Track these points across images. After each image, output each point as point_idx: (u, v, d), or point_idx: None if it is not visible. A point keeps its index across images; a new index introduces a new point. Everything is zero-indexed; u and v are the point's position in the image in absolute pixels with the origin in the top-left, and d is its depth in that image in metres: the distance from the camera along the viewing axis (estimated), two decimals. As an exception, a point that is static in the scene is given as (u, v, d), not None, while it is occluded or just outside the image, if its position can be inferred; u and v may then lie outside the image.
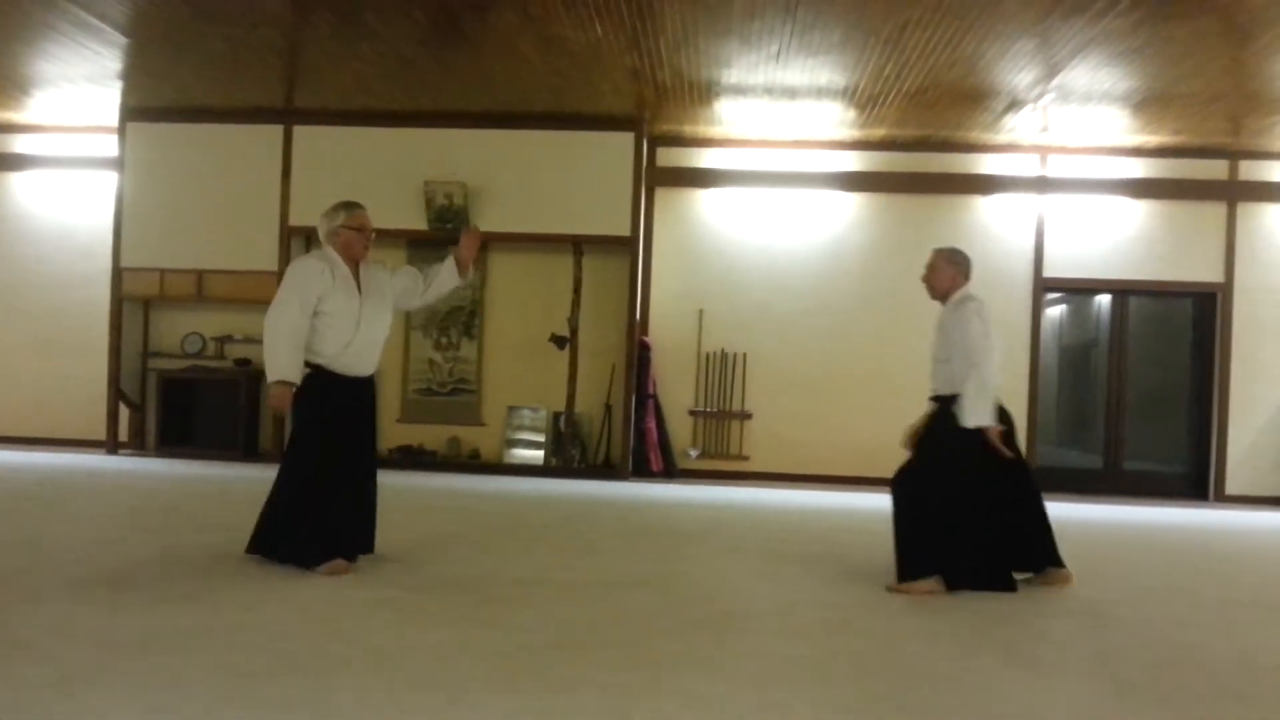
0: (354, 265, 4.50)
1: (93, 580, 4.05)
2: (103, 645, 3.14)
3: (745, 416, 9.26)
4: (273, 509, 4.48)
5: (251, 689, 2.77)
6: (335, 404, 4.44)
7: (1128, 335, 9.36)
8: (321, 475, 4.38)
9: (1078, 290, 9.45)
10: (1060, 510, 7.95)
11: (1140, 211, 9.09)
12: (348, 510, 4.47)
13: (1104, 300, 9.45)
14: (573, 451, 9.08)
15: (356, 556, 4.46)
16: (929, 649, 3.51)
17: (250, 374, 9.28)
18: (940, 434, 4.63)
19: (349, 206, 4.53)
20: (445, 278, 4.78)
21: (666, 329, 9.34)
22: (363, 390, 4.58)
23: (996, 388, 4.62)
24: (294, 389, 4.31)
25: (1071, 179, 9.08)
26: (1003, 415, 4.73)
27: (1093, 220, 9.11)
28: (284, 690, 2.77)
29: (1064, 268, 9.12)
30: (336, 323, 4.38)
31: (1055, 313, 9.63)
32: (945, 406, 4.64)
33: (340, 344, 4.40)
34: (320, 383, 4.40)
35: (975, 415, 4.45)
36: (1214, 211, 9.06)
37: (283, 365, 4.29)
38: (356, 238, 4.49)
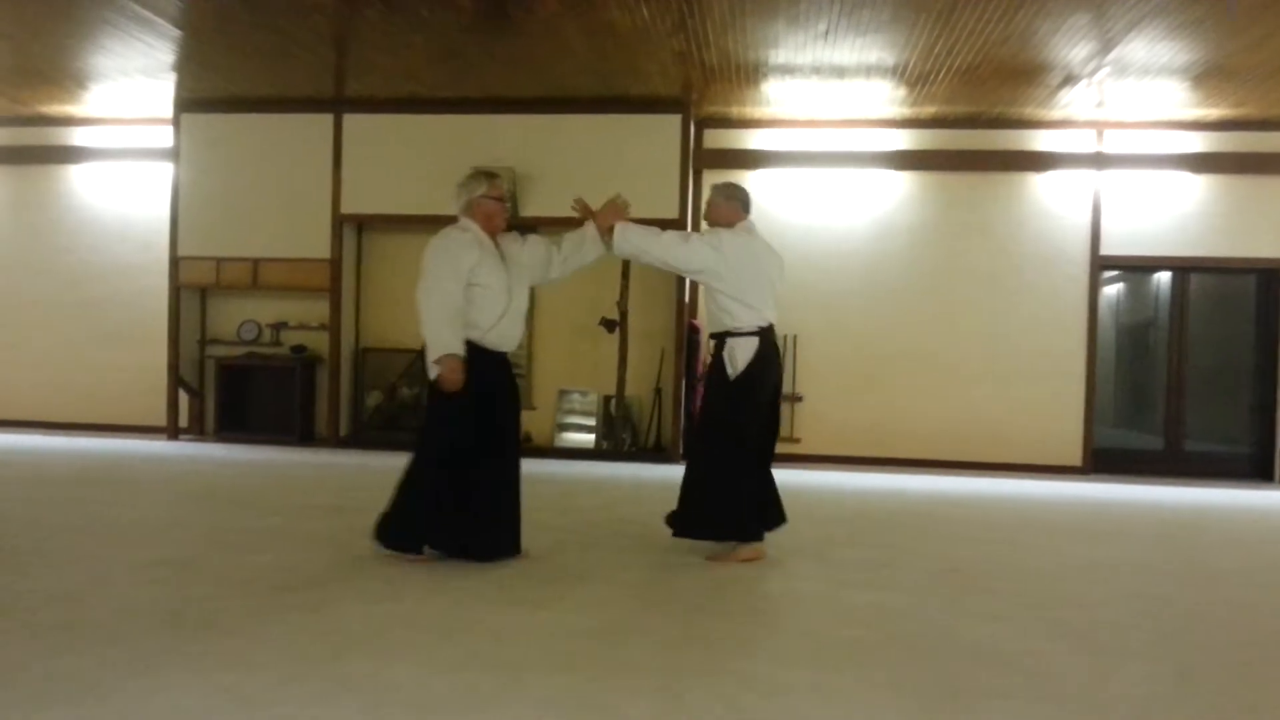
0: (493, 236, 4.42)
1: (159, 562, 4.15)
2: (168, 626, 3.22)
3: (795, 399, 9.22)
4: (420, 498, 4.25)
5: (314, 669, 2.83)
6: (491, 380, 4.31)
7: (1188, 313, 9.15)
8: (479, 457, 4.26)
9: (1136, 268, 9.26)
10: (1119, 492, 7.88)
11: (1200, 186, 8.87)
12: (508, 498, 4.40)
13: (1163, 278, 9.24)
14: (623, 435, 9.11)
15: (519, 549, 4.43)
16: (986, 630, 3.48)
17: (305, 360, 9.43)
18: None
19: (489, 176, 4.46)
20: (589, 249, 4.59)
21: (715, 312, 9.31)
22: (509, 366, 4.49)
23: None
24: (463, 362, 4.17)
25: (1129, 154, 8.88)
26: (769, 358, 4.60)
27: (1151, 196, 8.91)
28: (345, 670, 2.83)
29: (1122, 245, 8.94)
30: (490, 294, 4.27)
31: (1112, 291, 9.44)
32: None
33: (495, 315, 4.28)
34: (477, 359, 4.24)
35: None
36: (1277, 185, 8.82)
37: (447, 339, 4.16)
38: (498, 208, 4.42)
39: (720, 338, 4.60)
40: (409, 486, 4.30)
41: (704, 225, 4.92)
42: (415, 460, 4.33)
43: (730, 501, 4.47)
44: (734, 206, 4.77)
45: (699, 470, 4.58)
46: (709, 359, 4.79)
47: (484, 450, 4.27)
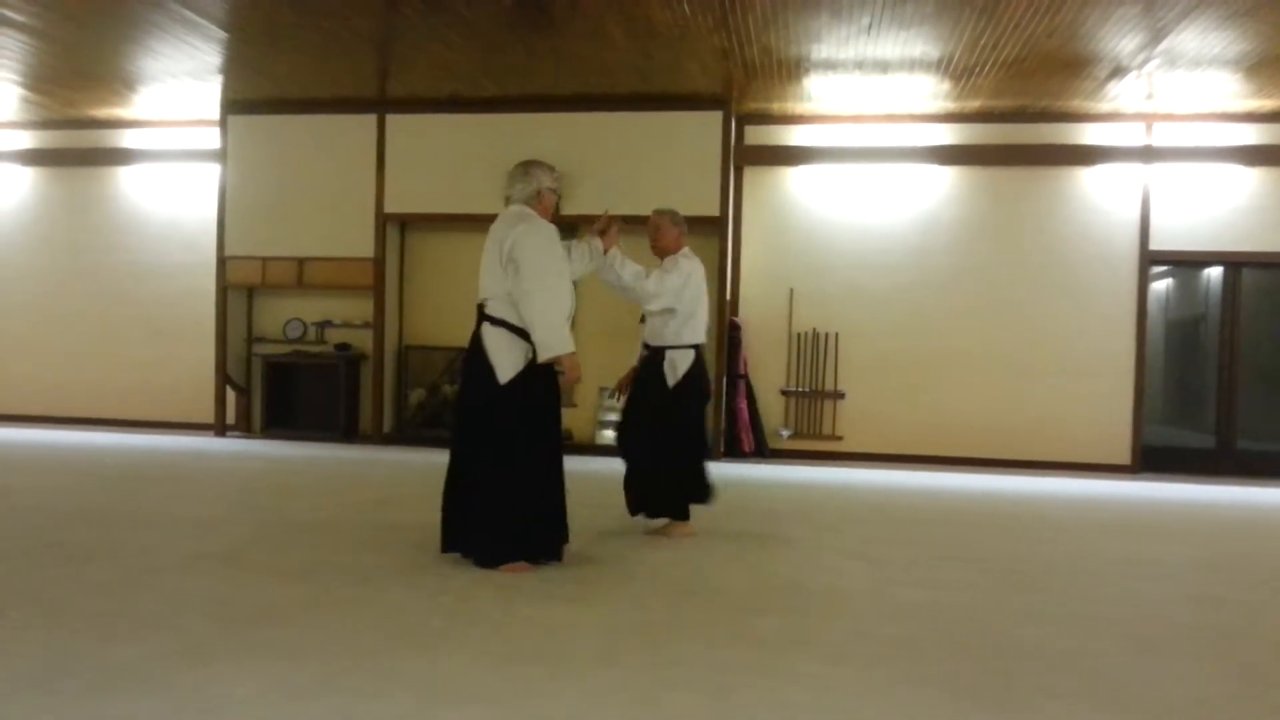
0: None
1: (208, 555, 4.21)
2: (220, 617, 3.26)
3: (838, 396, 9.16)
4: (500, 505, 4.06)
5: (365, 660, 2.85)
6: (555, 379, 4.23)
7: (1239, 309, 8.97)
8: (556, 460, 4.20)
9: (1186, 263, 9.08)
10: (1169, 491, 7.74)
11: (1252, 179, 8.69)
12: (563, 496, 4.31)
13: (1214, 273, 9.06)
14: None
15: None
16: (1037, 630, 3.43)
17: (349, 358, 9.52)
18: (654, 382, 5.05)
19: (550, 167, 4.42)
20: (586, 265, 4.64)
21: (757, 309, 9.28)
22: None
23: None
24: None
25: (1179, 147, 8.72)
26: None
27: (1202, 190, 8.75)
28: (396, 661, 2.85)
29: (1172, 240, 8.78)
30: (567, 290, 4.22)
31: (1162, 287, 9.28)
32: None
33: (568, 312, 4.18)
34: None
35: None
36: (1334, 178, 8.62)
37: (567, 336, 4.05)
38: (555, 202, 4.44)
39: (660, 350, 5.06)
40: (506, 495, 4.07)
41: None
42: (505, 468, 4.07)
43: (672, 487, 5.01)
44: (680, 231, 5.21)
45: (646, 463, 5.02)
46: (637, 366, 5.22)
47: (559, 450, 4.27)
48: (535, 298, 4.02)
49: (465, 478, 4.13)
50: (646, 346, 5.14)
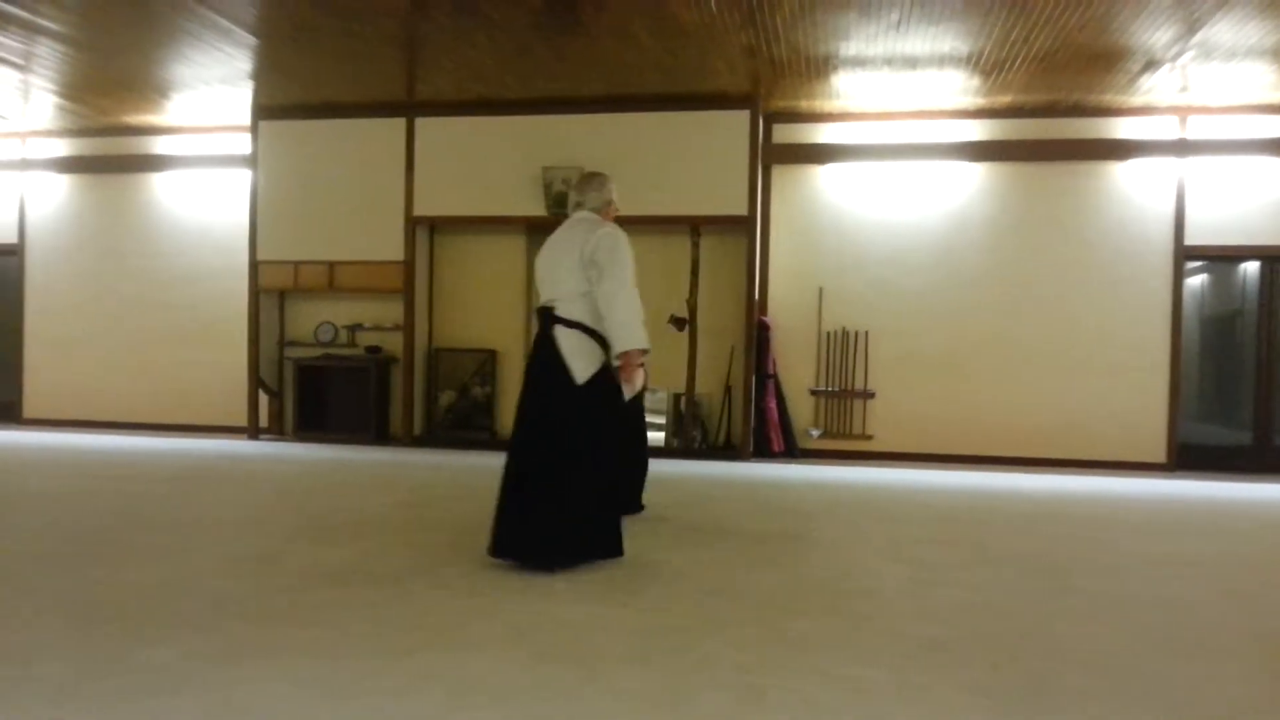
0: None
1: (245, 557, 4.25)
2: (257, 619, 3.29)
3: (868, 395, 9.11)
4: (582, 504, 4.14)
5: (398, 660, 2.87)
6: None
7: (1277, 303, 8.83)
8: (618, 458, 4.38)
9: (1222, 258, 8.94)
10: (1206, 489, 7.63)
11: (1291, 172, 8.56)
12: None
13: (1250, 267, 8.92)
14: (693, 432, 9.08)
15: None
16: (1072, 630, 3.40)
17: (379, 360, 9.58)
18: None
19: (609, 179, 4.59)
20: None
21: (786, 308, 9.25)
22: None
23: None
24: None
25: (1214, 140, 8.59)
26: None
27: (1238, 183, 8.61)
28: (428, 661, 2.86)
29: (1207, 234, 8.66)
30: None
31: (1197, 282, 9.15)
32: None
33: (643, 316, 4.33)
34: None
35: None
36: (1375, 169, 8.47)
37: (645, 335, 4.23)
38: (615, 216, 4.58)
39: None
40: (587, 494, 4.16)
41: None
42: (586, 468, 4.14)
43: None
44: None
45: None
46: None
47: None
48: (620, 298, 4.15)
49: (532, 480, 4.11)
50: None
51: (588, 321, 4.20)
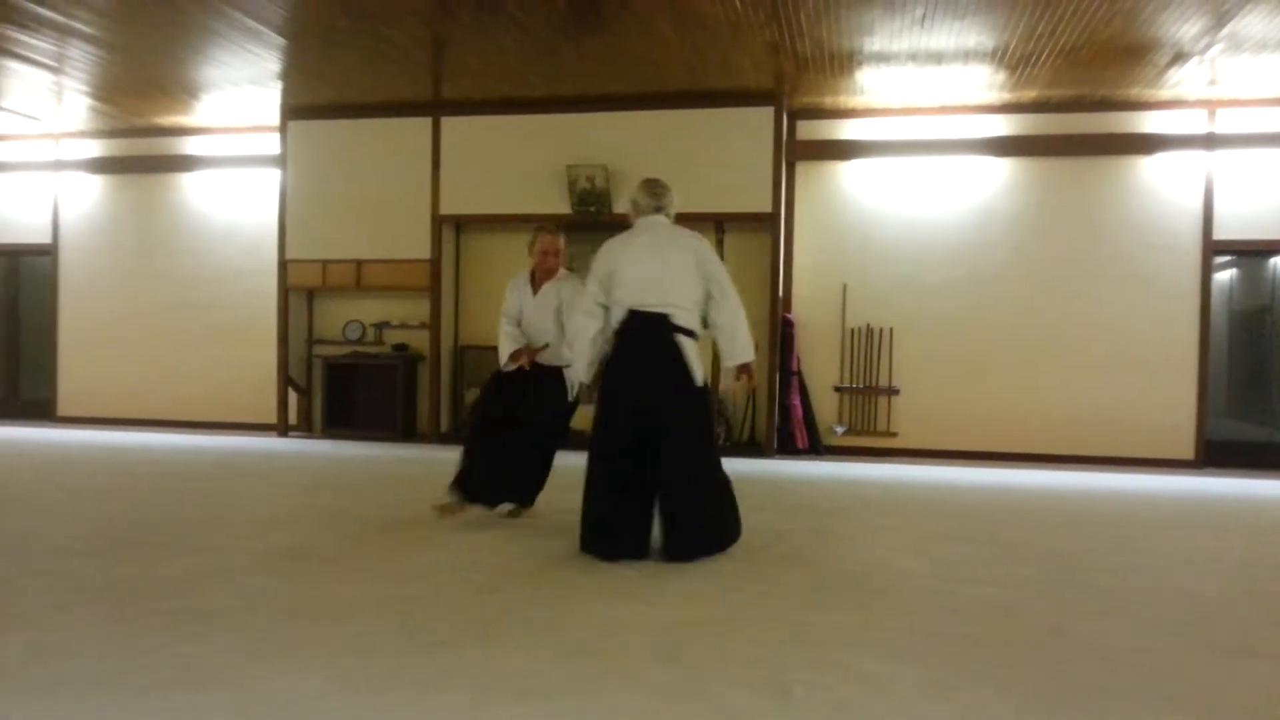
0: None
1: (276, 553, 4.31)
2: (289, 614, 3.34)
3: (893, 392, 9.09)
4: (721, 496, 4.48)
5: (428, 656, 2.91)
6: None
7: (1309, 299, 8.74)
8: None
9: (1251, 252, 8.86)
10: (1234, 486, 7.57)
11: (1323, 165, 8.46)
12: None
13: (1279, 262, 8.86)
14: (718, 429, 9.10)
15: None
16: (1100, 627, 3.39)
17: (406, 358, 9.66)
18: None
19: None
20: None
21: (810, 305, 9.25)
22: None
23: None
24: None
25: (1243, 134, 8.51)
26: None
27: (1268, 177, 8.53)
28: (457, 657, 2.90)
29: (1236, 229, 8.57)
30: None
31: (1225, 277, 9.07)
32: None
33: None
34: None
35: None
36: None
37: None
38: None
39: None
40: (722, 487, 4.45)
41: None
42: (715, 463, 4.43)
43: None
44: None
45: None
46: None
47: None
48: (741, 313, 4.44)
49: (679, 483, 4.29)
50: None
51: (696, 329, 4.42)
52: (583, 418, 4.78)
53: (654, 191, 4.59)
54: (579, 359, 4.57)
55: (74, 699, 2.53)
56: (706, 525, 4.34)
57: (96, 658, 2.86)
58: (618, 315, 4.42)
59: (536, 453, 5.10)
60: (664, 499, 4.30)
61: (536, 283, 5.22)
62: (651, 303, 4.35)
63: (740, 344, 4.43)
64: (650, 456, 4.27)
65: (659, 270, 4.37)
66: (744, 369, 4.49)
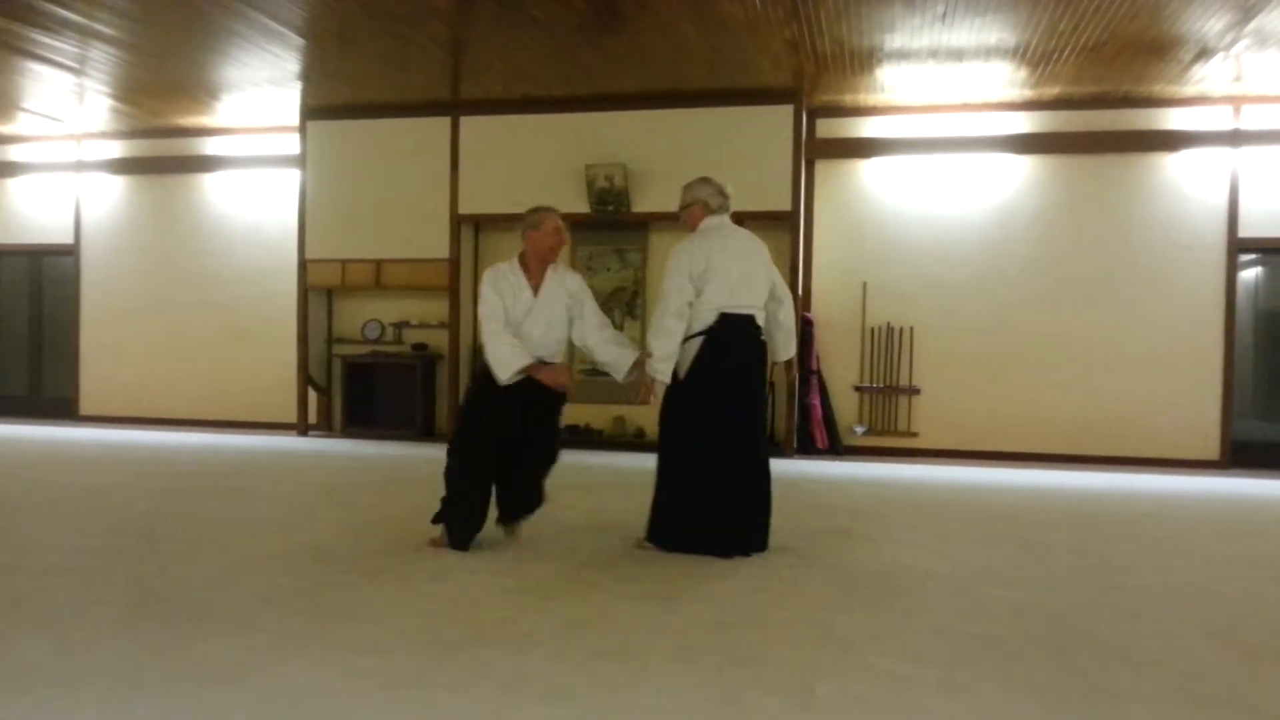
0: None
1: (295, 552, 4.33)
2: (308, 613, 3.35)
3: (913, 391, 9.04)
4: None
5: (450, 655, 2.90)
6: None
7: (1336, 297, 8.64)
8: None
9: (1278, 250, 8.76)
10: (1261, 487, 7.49)
11: (1350, 162, 8.36)
12: None
13: (1308, 260, 8.74)
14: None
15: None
16: (1123, 629, 3.36)
17: (425, 357, 9.68)
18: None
19: None
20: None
21: (829, 303, 9.20)
22: None
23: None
24: None
25: (1270, 130, 8.41)
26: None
27: (1295, 174, 8.45)
28: (479, 656, 2.90)
29: (1262, 226, 8.48)
30: None
31: (1251, 275, 8.97)
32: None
33: None
34: None
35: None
36: None
37: None
38: None
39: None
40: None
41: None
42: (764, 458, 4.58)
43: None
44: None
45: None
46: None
47: None
48: (792, 308, 4.64)
49: (762, 478, 4.51)
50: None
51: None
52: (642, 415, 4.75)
53: (719, 190, 4.56)
54: (665, 360, 4.37)
55: (98, 695, 2.54)
56: (770, 518, 4.56)
57: (119, 654, 2.87)
58: (704, 316, 4.35)
59: (546, 471, 4.65)
60: (750, 495, 4.46)
61: (531, 273, 4.63)
62: (741, 304, 4.38)
63: (792, 343, 4.67)
64: (745, 455, 4.42)
65: (751, 274, 4.42)
66: (789, 365, 4.77)
